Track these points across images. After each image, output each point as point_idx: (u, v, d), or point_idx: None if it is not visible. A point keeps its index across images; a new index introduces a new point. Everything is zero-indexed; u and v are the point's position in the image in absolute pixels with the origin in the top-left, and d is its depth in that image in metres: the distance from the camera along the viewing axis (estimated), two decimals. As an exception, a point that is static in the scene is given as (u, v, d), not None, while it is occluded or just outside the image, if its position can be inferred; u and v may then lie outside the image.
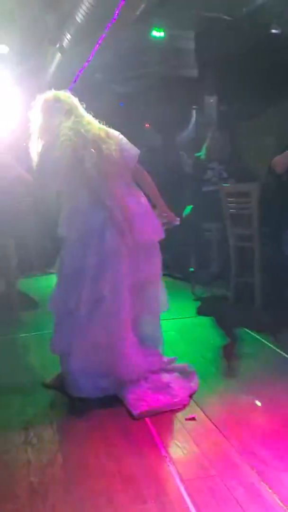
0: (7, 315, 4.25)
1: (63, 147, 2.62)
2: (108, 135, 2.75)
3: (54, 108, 2.73)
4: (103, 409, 2.57)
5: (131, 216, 2.66)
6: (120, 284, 2.63)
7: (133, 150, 2.80)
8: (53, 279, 2.85)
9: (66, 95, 2.79)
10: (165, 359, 2.93)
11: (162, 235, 2.83)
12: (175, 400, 2.57)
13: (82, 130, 2.67)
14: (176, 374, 2.81)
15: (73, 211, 2.72)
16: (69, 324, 2.68)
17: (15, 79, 5.40)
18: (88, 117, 2.78)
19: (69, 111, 2.72)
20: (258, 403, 2.56)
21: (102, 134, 2.72)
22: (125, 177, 2.77)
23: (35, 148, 2.72)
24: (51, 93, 2.78)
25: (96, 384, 2.69)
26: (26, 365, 3.26)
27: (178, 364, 2.96)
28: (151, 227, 2.78)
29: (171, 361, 2.95)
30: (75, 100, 2.79)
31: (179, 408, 2.54)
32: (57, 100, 2.75)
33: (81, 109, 2.78)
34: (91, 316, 2.63)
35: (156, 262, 2.82)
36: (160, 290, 2.88)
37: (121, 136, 2.81)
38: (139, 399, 2.57)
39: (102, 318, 2.62)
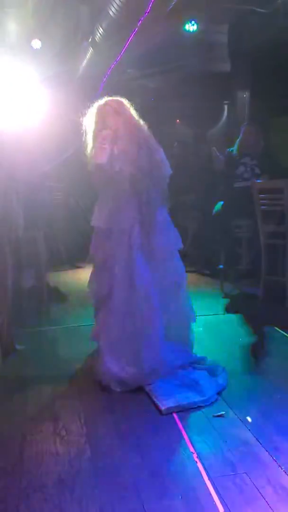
0: (37, 308, 4.30)
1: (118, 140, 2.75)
2: (158, 144, 2.86)
3: (106, 112, 2.83)
4: (131, 404, 2.58)
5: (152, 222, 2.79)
6: (149, 274, 2.75)
7: (168, 167, 2.90)
8: (81, 273, 2.89)
9: (118, 101, 2.88)
10: (194, 356, 2.95)
11: (179, 245, 2.95)
12: (204, 397, 2.55)
13: (133, 129, 2.80)
14: (204, 372, 2.81)
15: (108, 206, 2.82)
16: (104, 310, 2.81)
17: (47, 74, 5.44)
18: (140, 121, 2.88)
19: (120, 115, 2.82)
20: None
21: (152, 141, 2.84)
22: (156, 186, 2.86)
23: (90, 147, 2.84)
24: (103, 100, 2.88)
25: (123, 367, 2.72)
26: (55, 357, 3.29)
27: (207, 361, 2.97)
28: (168, 236, 2.89)
29: (200, 360, 2.96)
30: (126, 105, 2.87)
31: (207, 405, 2.52)
32: (109, 104, 2.85)
33: (133, 113, 2.87)
34: (126, 301, 2.74)
35: (175, 271, 2.91)
36: (185, 298, 2.96)
37: (161, 149, 2.90)
38: (167, 394, 2.57)
39: (136, 303, 2.72)
